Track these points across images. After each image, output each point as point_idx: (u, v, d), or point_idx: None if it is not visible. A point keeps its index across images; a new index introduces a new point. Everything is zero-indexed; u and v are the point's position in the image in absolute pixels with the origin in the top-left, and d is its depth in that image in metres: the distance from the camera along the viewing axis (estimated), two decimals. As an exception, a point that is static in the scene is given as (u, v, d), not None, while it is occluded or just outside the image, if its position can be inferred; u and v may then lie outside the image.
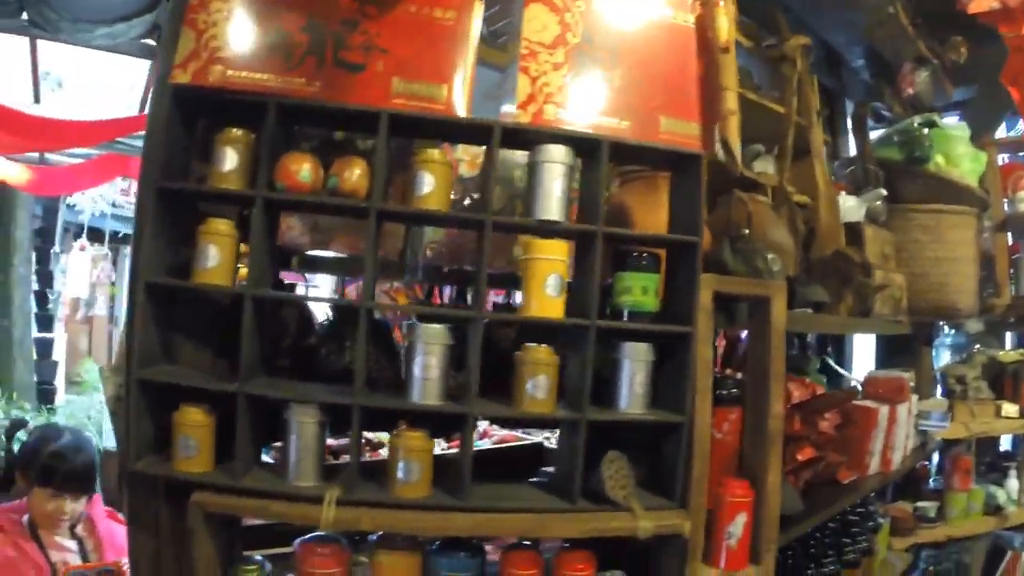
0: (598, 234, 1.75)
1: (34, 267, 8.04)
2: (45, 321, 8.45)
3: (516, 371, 1.73)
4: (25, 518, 2.42)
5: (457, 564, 1.72)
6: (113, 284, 11.67)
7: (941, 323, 3.86)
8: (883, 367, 3.48)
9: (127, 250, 10.40)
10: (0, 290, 7.41)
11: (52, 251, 8.60)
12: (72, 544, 2.49)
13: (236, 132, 1.66)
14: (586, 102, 1.78)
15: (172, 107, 1.66)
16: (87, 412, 7.66)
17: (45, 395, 7.77)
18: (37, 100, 5.11)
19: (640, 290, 1.83)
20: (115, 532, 2.58)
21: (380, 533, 1.72)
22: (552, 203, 1.74)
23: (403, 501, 1.65)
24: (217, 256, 1.63)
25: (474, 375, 1.66)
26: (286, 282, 2.14)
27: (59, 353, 9.09)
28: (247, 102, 1.66)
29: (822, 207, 2.63)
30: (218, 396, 1.64)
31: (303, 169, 1.63)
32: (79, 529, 2.53)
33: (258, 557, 1.79)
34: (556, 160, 1.74)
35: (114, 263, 11.50)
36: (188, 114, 1.71)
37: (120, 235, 10.04)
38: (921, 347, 3.71)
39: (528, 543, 1.81)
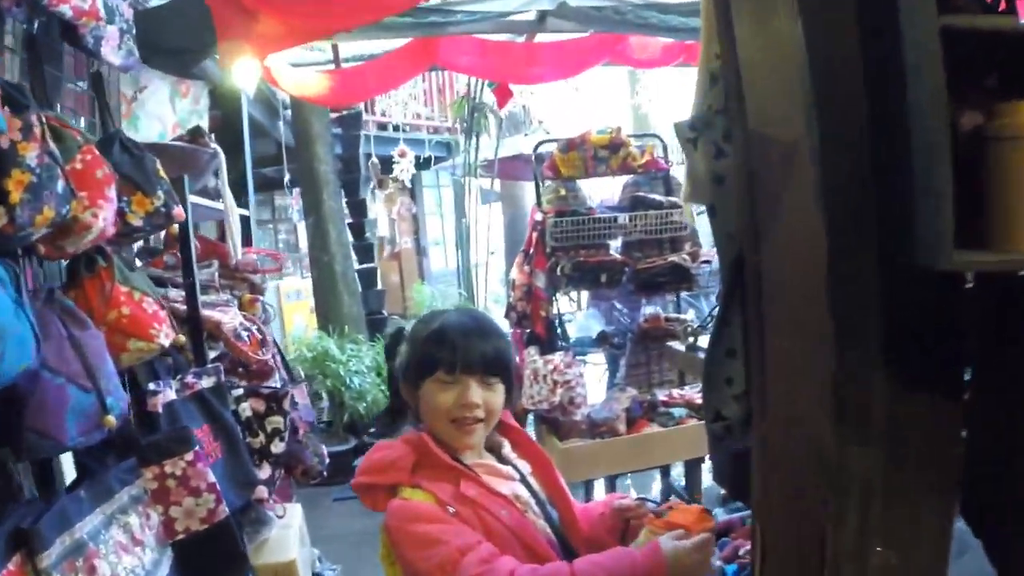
0: None
1: (343, 199, 7.83)
2: (363, 252, 8.26)
3: None
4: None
5: None
6: (416, 217, 11.57)
7: None
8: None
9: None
10: (314, 227, 7.26)
11: (361, 177, 8.32)
12: (509, 470, 1.62)
13: None
14: None
15: None
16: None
17: (376, 325, 7.55)
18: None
19: None
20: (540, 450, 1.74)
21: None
22: None
23: None
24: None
25: None
26: None
27: (383, 283, 8.98)
28: None
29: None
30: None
31: None
32: (506, 451, 1.66)
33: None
34: None
35: (413, 196, 11.39)
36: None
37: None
38: None
39: None
